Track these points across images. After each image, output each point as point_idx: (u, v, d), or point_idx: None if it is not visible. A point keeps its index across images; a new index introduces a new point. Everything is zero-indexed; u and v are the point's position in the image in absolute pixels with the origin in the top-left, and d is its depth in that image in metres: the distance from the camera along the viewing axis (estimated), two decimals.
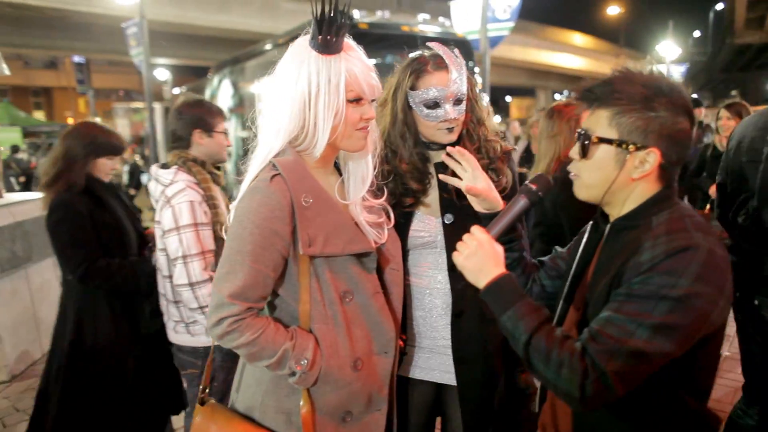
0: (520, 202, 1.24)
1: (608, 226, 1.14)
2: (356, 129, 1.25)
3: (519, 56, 30.21)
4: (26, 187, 9.18)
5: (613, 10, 34.46)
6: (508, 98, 42.35)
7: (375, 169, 1.38)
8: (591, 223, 1.23)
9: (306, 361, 1.20)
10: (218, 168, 2.24)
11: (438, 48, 1.49)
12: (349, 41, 1.23)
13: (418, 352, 1.59)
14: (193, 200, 1.94)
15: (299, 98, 1.20)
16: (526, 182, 1.27)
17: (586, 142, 1.08)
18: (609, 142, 1.05)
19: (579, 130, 1.10)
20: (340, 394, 1.26)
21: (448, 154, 1.41)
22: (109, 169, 2.32)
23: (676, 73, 24.99)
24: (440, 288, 1.54)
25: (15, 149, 12.49)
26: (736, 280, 2.41)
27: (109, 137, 2.31)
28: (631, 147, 1.03)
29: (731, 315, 2.83)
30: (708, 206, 3.24)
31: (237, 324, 1.17)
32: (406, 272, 1.57)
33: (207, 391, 1.41)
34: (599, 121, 1.06)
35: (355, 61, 1.21)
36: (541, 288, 1.37)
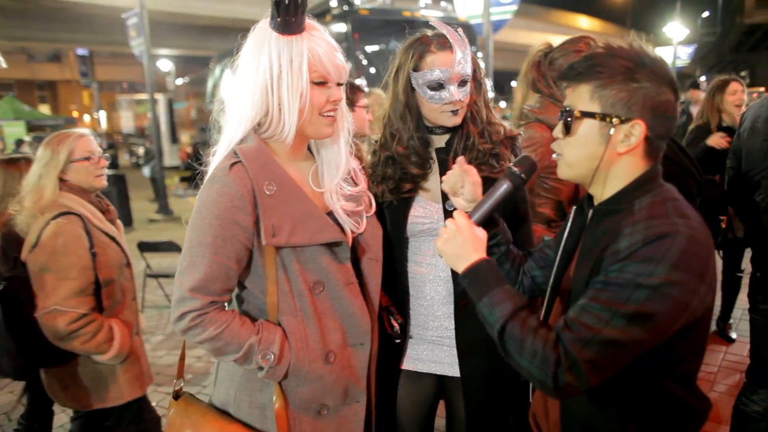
0: (503, 186, 1.20)
1: (591, 212, 1.11)
2: (321, 114, 1.20)
3: (524, 40, 29.86)
4: None
5: None
6: (513, 83, 41.96)
7: (352, 154, 1.34)
8: (575, 207, 1.20)
9: (273, 356, 1.16)
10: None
11: (442, 28, 1.43)
12: (312, 22, 1.18)
13: (420, 344, 1.56)
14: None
15: (261, 82, 1.15)
16: (509, 164, 1.23)
17: (569, 119, 1.04)
18: (592, 116, 1.02)
19: (562, 109, 1.07)
20: (312, 388, 1.22)
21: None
22: None
23: (684, 54, 24.61)
24: (442, 277, 1.50)
25: (19, 143, 12.54)
26: (758, 261, 2.29)
27: None
28: (615, 120, 1.00)
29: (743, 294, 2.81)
30: None
31: (200, 319, 1.13)
32: (405, 260, 1.53)
33: (182, 384, 1.38)
34: (581, 97, 1.03)
35: (318, 41, 1.16)
36: (531, 280, 1.34)
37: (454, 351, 1.51)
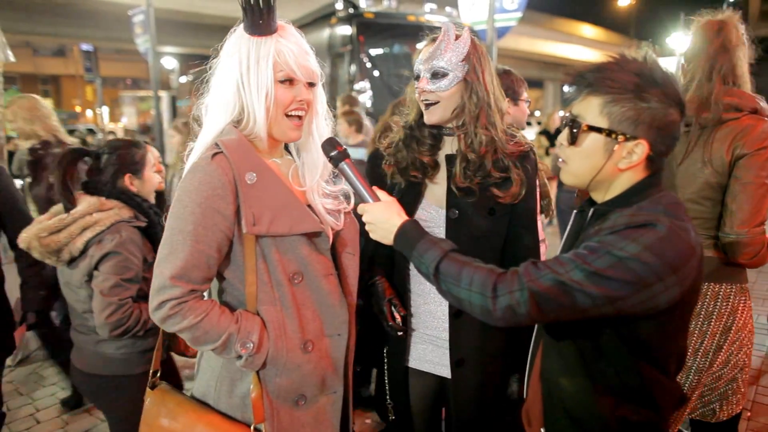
0: (344, 166, 1.23)
1: (591, 210, 1.15)
2: (286, 114, 1.23)
3: (527, 48, 29.94)
4: None
5: (624, 1, 34.04)
6: None
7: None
8: (575, 211, 1.23)
9: (252, 345, 1.18)
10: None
11: (443, 25, 1.48)
12: (286, 25, 1.22)
13: (420, 343, 1.58)
14: None
15: (233, 82, 1.19)
16: (329, 155, 1.25)
17: (575, 130, 1.07)
18: (599, 131, 1.04)
19: (567, 115, 1.10)
20: (290, 377, 1.24)
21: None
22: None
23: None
24: None
25: None
26: None
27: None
28: (620, 137, 1.02)
29: None
30: None
31: (179, 307, 1.14)
32: (407, 260, 1.55)
33: (158, 374, 1.39)
34: (590, 109, 1.05)
35: (285, 42, 1.19)
36: None
37: (440, 351, 1.54)
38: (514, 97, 2.31)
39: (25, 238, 1.78)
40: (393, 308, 1.52)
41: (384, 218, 1.19)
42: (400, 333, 1.53)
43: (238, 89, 1.19)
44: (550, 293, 0.97)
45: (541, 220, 1.80)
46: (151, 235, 1.85)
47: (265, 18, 1.16)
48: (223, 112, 1.22)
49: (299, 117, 1.24)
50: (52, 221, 1.79)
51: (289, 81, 1.20)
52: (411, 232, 1.16)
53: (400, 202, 1.51)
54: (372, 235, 1.24)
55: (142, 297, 1.81)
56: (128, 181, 1.88)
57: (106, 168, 1.86)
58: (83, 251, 1.75)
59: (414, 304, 1.57)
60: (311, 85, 1.25)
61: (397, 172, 1.54)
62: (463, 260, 1.07)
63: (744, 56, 1.80)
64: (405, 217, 1.19)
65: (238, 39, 1.20)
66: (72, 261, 1.77)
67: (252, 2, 1.14)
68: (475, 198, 1.45)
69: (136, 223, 1.82)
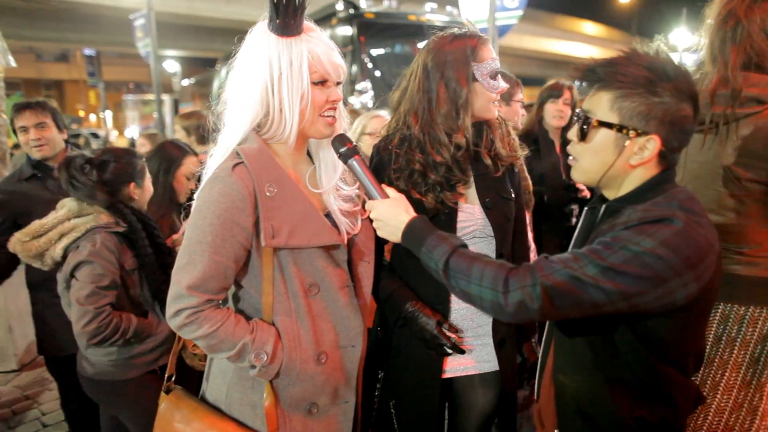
0: (353, 163, 1.23)
1: (603, 207, 1.13)
2: (321, 115, 1.21)
3: (529, 46, 29.86)
4: None
5: None
6: None
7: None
8: (587, 208, 1.21)
9: (266, 356, 1.18)
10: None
11: (468, 25, 1.50)
12: (308, 23, 1.19)
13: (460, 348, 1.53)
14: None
15: (261, 84, 1.16)
16: (339, 149, 1.25)
17: (585, 126, 1.05)
18: (609, 126, 1.02)
19: (578, 111, 1.08)
20: (303, 387, 1.24)
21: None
22: None
23: (689, 61, 24.63)
24: None
25: None
26: None
27: None
28: (632, 133, 1.00)
29: None
30: None
31: (195, 316, 1.15)
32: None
33: (173, 378, 1.40)
34: (600, 104, 1.04)
35: (316, 42, 1.17)
36: None
37: (474, 347, 1.52)
38: (506, 98, 2.40)
39: (11, 240, 1.76)
40: (444, 329, 1.44)
41: (392, 215, 1.18)
42: (450, 352, 1.44)
43: (267, 92, 1.16)
44: (563, 288, 0.95)
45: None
46: (133, 241, 1.83)
47: (297, 18, 1.14)
48: (248, 117, 1.18)
49: (332, 115, 1.23)
50: (34, 225, 1.76)
51: (322, 82, 1.18)
52: (419, 228, 1.15)
53: (441, 223, 1.43)
54: (379, 233, 1.23)
55: (122, 306, 1.78)
56: (132, 190, 1.88)
57: (111, 175, 1.84)
58: (64, 257, 1.73)
59: (454, 310, 1.52)
60: (337, 83, 1.23)
61: (434, 199, 1.45)
62: (473, 255, 1.06)
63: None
64: (413, 214, 1.18)
65: (264, 40, 1.16)
66: (57, 266, 1.76)
67: (284, 3, 1.11)
68: (495, 183, 1.52)
69: (114, 229, 1.78)
